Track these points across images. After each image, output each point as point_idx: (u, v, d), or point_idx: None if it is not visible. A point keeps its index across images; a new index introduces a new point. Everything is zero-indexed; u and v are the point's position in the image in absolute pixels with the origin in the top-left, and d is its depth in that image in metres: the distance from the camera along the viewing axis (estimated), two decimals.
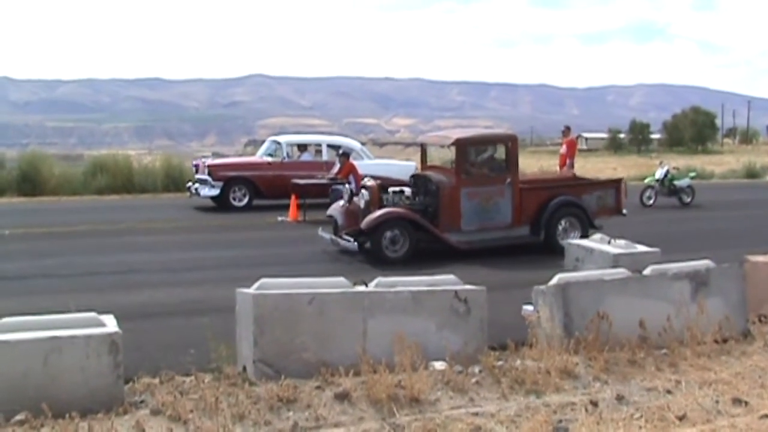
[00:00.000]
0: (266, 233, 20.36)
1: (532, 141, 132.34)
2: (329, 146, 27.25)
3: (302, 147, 27.38)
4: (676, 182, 28.46)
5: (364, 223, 16.95)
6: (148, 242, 19.11)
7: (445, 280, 9.14)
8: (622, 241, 12.68)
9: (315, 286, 8.52)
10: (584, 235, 17.62)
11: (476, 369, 8.33)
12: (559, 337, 9.11)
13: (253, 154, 32.32)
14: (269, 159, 26.90)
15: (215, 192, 25.84)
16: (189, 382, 8.11)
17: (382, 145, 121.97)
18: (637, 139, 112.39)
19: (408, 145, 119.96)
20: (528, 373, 8.21)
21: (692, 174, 31.44)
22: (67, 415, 6.85)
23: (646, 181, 30.01)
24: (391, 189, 17.94)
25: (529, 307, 9.81)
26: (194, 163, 28.55)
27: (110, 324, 7.56)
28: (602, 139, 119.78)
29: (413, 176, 18.83)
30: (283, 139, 27.99)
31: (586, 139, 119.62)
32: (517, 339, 9.36)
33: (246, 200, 26.01)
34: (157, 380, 8.23)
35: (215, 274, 15.41)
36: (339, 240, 17.36)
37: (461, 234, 17.41)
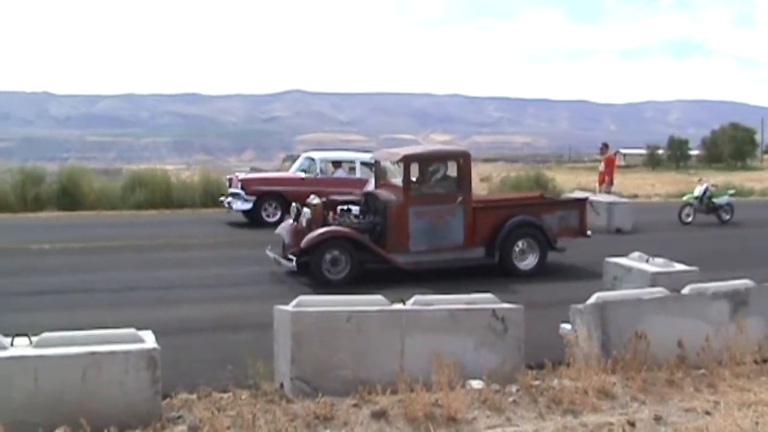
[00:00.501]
0: None
1: (570, 157, 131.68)
2: (363, 163, 27.16)
3: (336, 164, 27.34)
4: (715, 200, 28.16)
5: (304, 242, 16.23)
6: (186, 257, 19.17)
7: (483, 299, 9.12)
8: (660, 260, 12.58)
9: (353, 303, 8.54)
10: (543, 257, 17.49)
11: (513, 388, 8.31)
12: (596, 356, 9.07)
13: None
14: (302, 175, 26.90)
15: (248, 206, 25.83)
16: (226, 399, 8.14)
17: None
18: (676, 155, 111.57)
19: None
20: (565, 393, 8.19)
21: (731, 191, 31.13)
22: (105, 430, 6.90)
23: (684, 198, 29.70)
24: (339, 207, 17.43)
25: (567, 326, 9.77)
26: (228, 177, 28.64)
27: (149, 340, 7.61)
28: (640, 155, 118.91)
29: (364, 194, 18.12)
30: (317, 155, 27.97)
31: (624, 155, 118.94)
32: (554, 358, 9.34)
33: (278, 215, 25.91)
34: (194, 396, 8.28)
35: (252, 290, 15.45)
36: (281, 260, 16.73)
37: (410, 255, 16.72)
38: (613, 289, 11.89)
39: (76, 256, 19.45)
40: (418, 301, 8.82)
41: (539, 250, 17.52)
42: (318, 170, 26.65)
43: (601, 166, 29.60)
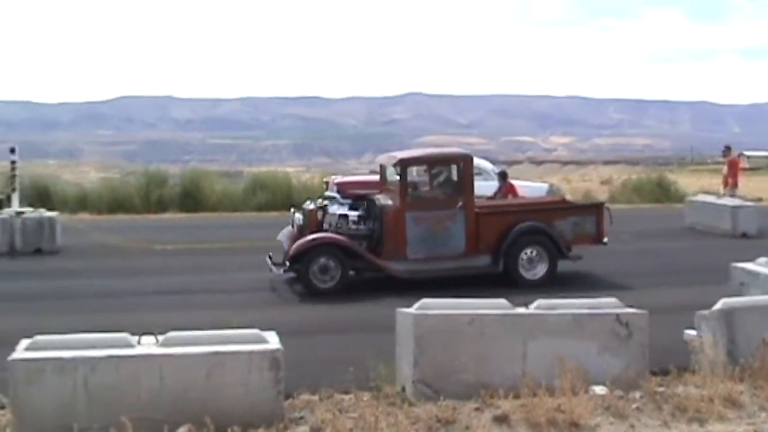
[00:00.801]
0: None
1: (692, 159, 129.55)
2: None
3: None
4: None
5: (293, 248, 15.78)
6: None
7: (607, 303, 8.99)
8: None
9: (475, 307, 8.50)
10: (553, 267, 16.49)
11: (637, 394, 8.18)
12: (722, 363, 8.88)
13: None
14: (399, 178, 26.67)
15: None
16: (348, 400, 8.19)
17: (539, 163, 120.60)
18: None
19: (565, 163, 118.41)
20: (690, 400, 8.02)
21: None
22: (228, 429, 6.98)
23: None
24: (338, 212, 16.91)
25: (692, 332, 9.58)
26: (325, 180, 28.65)
27: (272, 340, 7.68)
28: (766, 157, 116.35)
29: (366, 199, 17.47)
30: None
31: (748, 157, 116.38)
32: (679, 364, 9.15)
33: None
34: (316, 397, 8.34)
35: (373, 293, 15.44)
36: (272, 267, 16.26)
37: (407, 263, 16.02)
38: (739, 295, 11.62)
39: (198, 257, 19.75)
40: (541, 305, 8.74)
41: (548, 258, 16.49)
42: (414, 173, 26.40)
43: (725, 169, 29.01)
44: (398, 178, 16.51)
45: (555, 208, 17.80)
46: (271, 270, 16.24)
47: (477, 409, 7.69)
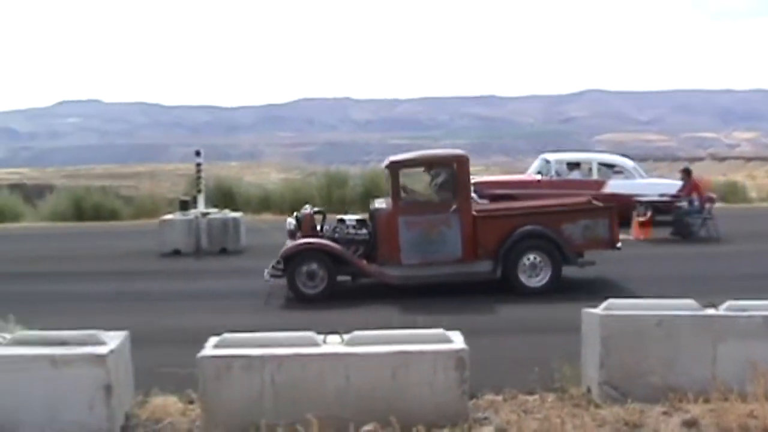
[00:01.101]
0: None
1: None
2: (600, 164, 26.46)
3: (573, 165, 26.64)
4: None
5: (281, 253, 15.47)
6: None
7: None
8: None
9: (663, 308, 8.32)
10: (556, 273, 15.54)
11: None
12: None
13: None
14: (539, 177, 26.37)
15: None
16: (532, 401, 8.13)
17: (722, 159, 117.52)
18: None
19: (749, 159, 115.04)
20: None
21: None
22: (414, 429, 7.01)
23: None
24: (337, 217, 16.45)
25: None
26: None
27: (457, 340, 7.69)
28: None
29: (370, 203, 16.97)
30: (552, 156, 27.31)
31: None
32: None
33: None
34: (500, 398, 8.29)
35: (555, 293, 15.23)
36: (265, 271, 15.65)
37: (402, 268, 15.50)
38: None
39: None
40: (731, 307, 8.49)
41: (552, 264, 15.56)
42: (553, 172, 26.05)
43: None
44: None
45: (563, 210, 16.63)
46: (263, 275, 15.80)
47: (665, 413, 7.55)
